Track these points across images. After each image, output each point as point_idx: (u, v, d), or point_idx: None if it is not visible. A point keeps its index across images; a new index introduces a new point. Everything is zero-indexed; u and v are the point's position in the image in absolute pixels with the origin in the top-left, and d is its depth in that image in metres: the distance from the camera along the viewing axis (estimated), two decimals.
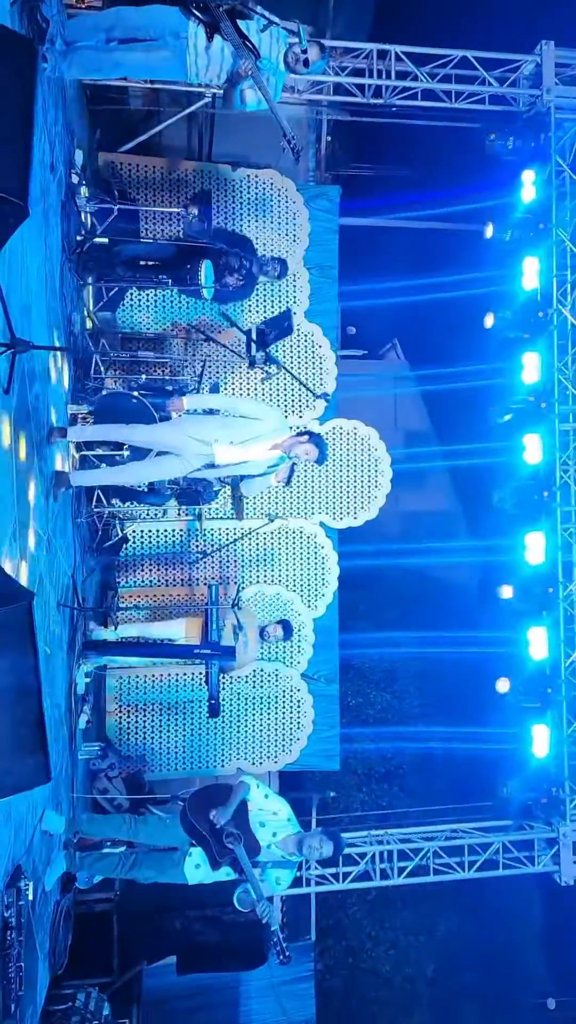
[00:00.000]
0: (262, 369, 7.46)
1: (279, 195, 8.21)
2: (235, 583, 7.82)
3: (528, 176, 8.60)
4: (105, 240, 6.26)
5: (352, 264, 8.78)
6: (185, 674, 7.86)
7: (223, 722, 8.00)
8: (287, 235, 8.21)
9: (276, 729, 8.22)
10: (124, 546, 7.59)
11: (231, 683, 7.99)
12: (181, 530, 8.06)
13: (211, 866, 4.76)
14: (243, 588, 7.82)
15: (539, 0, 9.15)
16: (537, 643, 8.54)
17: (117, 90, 7.82)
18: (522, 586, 8.79)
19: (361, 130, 9.42)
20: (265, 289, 7.97)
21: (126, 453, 5.48)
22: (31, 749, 2.89)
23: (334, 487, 8.38)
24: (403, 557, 10.21)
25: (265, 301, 8.14)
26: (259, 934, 7.62)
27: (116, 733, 7.86)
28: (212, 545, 8.03)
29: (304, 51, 5.15)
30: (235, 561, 8.11)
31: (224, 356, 7.64)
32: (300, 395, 8.18)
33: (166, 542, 8.06)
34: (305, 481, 8.30)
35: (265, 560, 8.21)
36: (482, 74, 8.41)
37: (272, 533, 8.17)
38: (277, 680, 8.21)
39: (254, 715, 8.17)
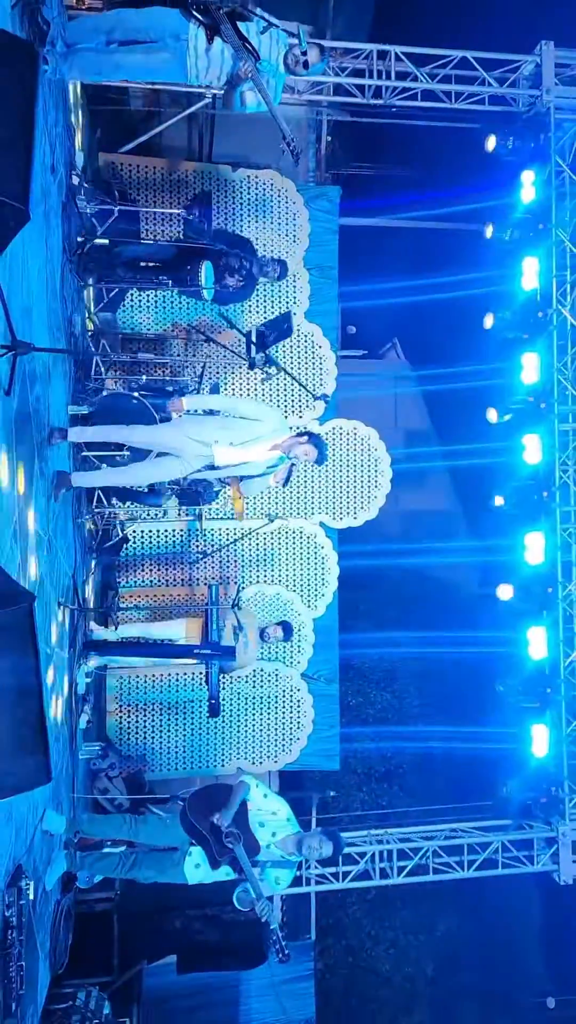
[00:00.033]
0: (262, 370, 7.47)
1: (279, 196, 8.22)
2: (235, 583, 7.84)
3: (528, 176, 8.60)
4: (106, 241, 6.27)
5: (352, 264, 8.79)
6: (185, 674, 7.87)
7: (223, 722, 8.02)
8: (287, 235, 8.23)
9: (276, 729, 8.24)
10: (124, 546, 7.60)
11: (231, 683, 8.00)
12: (181, 530, 8.07)
13: (211, 865, 4.77)
14: (243, 588, 7.83)
15: (539, 0, 9.16)
16: (536, 643, 8.55)
17: (117, 91, 7.83)
18: (522, 586, 8.81)
19: (361, 130, 9.43)
20: (265, 290, 7.99)
21: (126, 454, 5.50)
22: (31, 750, 2.90)
23: (334, 487, 8.40)
24: (403, 557, 10.22)
25: (265, 302, 8.15)
26: (259, 933, 7.66)
27: (116, 733, 7.88)
28: (212, 545, 8.05)
29: (304, 53, 5.17)
30: (235, 561, 8.13)
31: (224, 357, 7.66)
32: (300, 395, 8.19)
33: (166, 542, 8.08)
34: (305, 481, 8.31)
35: (265, 560, 8.23)
36: (482, 74, 8.42)
37: (272, 533, 8.19)
38: (277, 680, 8.23)
39: (254, 715, 8.19)
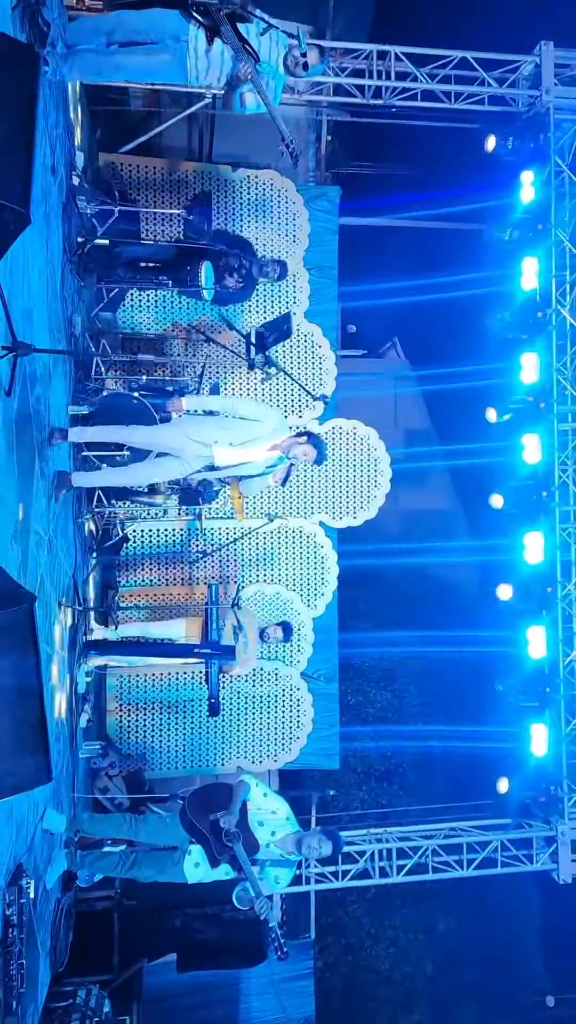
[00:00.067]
0: (262, 371, 7.49)
1: (279, 196, 8.23)
2: (235, 582, 7.85)
3: (527, 176, 8.61)
4: (106, 242, 6.28)
5: (352, 264, 8.79)
6: (185, 673, 7.89)
7: (223, 721, 8.03)
8: (287, 236, 8.23)
9: (276, 728, 8.25)
10: (124, 546, 7.62)
11: (231, 682, 8.00)
12: (181, 530, 8.09)
13: (210, 864, 4.78)
14: (243, 587, 7.84)
15: (539, 0, 9.16)
16: (536, 642, 8.57)
17: (118, 91, 7.83)
18: (521, 586, 8.82)
19: (361, 130, 9.43)
20: (265, 290, 7.99)
21: (126, 454, 5.52)
22: (32, 749, 2.91)
23: (334, 487, 8.41)
24: (403, 556, 10.22)
25: (265, 302, 8.16)
26: (258, 931, 7.66)
27: (117, 732, 7.89)
28: (212, 545, 8.06)
29: (303, 54, 5.19)
30: (235, 561, 8.14)
31: (224, 357, 7.67)
32: (300, 395, 8.20)
33: (166, 542, 8.09)
34: (305, 481, 8.32)
35: (265, 560, 8.24)
36: (481, 75, 8.42)
37: (272, 533, 8.20)
38: (277, 679, 8.24)
39: (254, 714, 8.20)
